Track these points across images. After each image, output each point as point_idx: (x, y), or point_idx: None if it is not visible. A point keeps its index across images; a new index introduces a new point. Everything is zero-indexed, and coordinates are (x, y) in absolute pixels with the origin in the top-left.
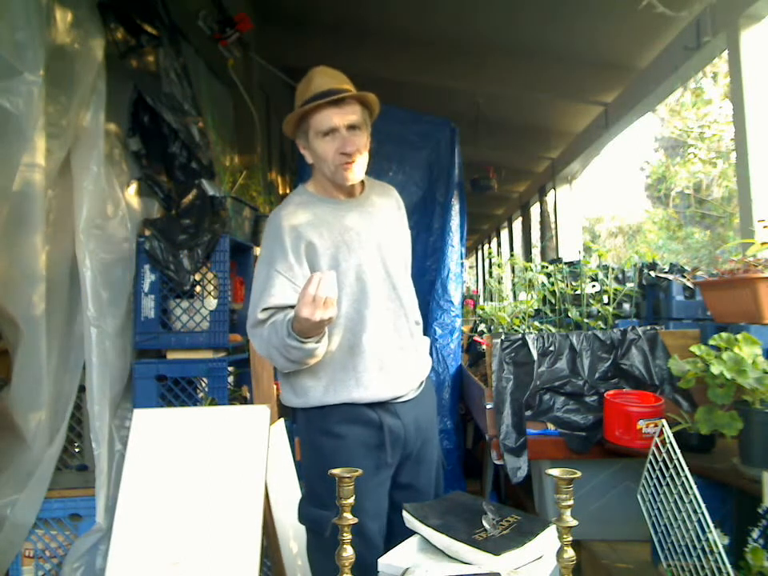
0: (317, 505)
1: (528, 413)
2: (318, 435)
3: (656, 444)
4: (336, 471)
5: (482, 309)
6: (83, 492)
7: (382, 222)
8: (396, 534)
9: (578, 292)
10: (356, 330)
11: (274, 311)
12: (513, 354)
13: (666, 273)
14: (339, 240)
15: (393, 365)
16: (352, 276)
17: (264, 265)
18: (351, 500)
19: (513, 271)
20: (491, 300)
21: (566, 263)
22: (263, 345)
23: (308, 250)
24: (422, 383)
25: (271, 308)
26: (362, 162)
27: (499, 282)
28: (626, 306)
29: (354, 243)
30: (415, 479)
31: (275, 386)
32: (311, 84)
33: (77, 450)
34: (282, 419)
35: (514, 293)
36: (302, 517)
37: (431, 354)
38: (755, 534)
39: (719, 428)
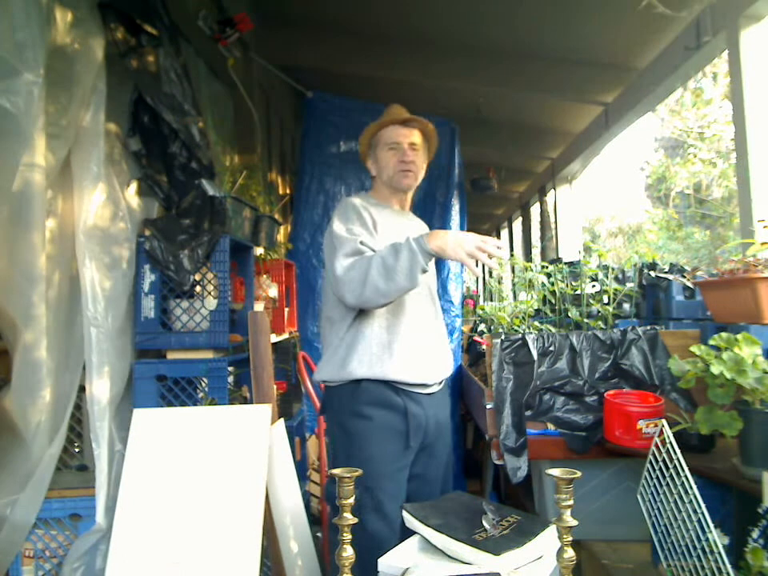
0: None
1: (528, 413)
2: (348, 416)
3: (656, 444)
4: (336, 471)
5: (482, 309)
6: (83, 492)
7: None
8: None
9: (578, 292)
10: (397, 312)
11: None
12: (513, 354)
13: (666, 273)
14: (393, 234)
15: (424, 354)
16: None
17: (342, 224)
18: (351, 500)
19: (513, 271)
20: (491, 300)
21: (566, 263)
22: (362, 272)
23: (374, 223)
24: (442, 381)
25: (361, 250)
26: (417, 172)
27: (499, 282)
28: (626, 306)
29: None
30: (426, 470)
31: (275, 386)
32: (387, 113)
33: (77, 449)
34: (281, 419)
35: (514, 293)
36: (329, 496)
37: None
38: (755, 534)
39: (719, 428)
